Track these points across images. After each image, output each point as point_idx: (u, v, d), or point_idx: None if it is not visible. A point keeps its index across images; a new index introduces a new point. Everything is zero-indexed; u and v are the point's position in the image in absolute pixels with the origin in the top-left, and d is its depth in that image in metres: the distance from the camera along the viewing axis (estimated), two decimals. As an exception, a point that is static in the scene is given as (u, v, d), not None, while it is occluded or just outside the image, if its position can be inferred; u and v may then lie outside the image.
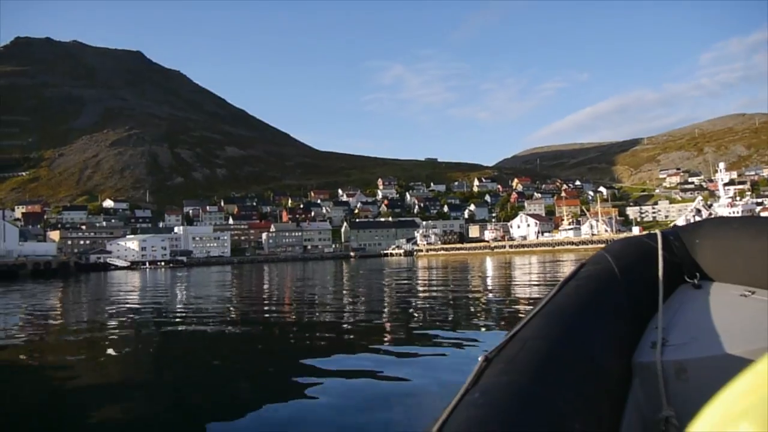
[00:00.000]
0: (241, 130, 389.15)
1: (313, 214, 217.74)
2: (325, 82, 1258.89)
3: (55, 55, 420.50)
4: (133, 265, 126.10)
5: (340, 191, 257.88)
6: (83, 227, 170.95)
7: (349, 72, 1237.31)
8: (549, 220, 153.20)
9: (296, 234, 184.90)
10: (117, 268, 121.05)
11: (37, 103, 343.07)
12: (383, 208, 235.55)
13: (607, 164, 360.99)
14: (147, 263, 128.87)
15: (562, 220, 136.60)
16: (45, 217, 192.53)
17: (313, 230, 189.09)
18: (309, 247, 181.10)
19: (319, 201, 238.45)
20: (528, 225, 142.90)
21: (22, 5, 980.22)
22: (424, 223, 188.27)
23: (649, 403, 1.74)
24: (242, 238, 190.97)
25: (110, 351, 12.22)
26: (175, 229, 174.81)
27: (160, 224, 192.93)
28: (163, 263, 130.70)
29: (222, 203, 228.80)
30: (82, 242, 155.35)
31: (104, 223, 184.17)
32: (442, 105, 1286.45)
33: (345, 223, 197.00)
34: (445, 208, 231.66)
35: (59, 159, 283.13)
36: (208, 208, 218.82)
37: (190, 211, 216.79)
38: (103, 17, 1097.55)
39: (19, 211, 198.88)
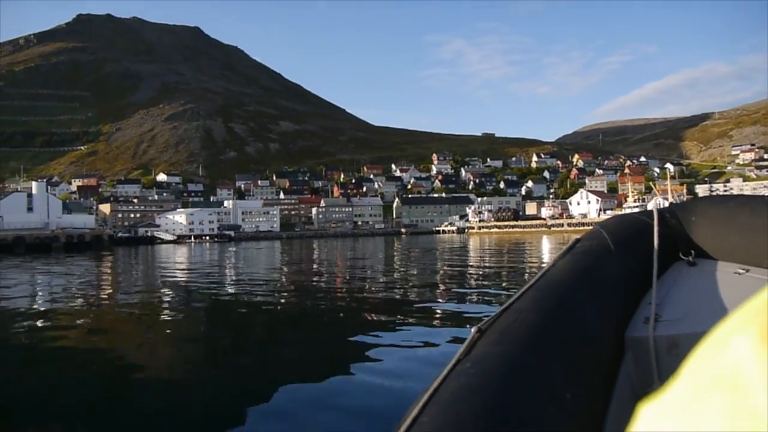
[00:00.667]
0: (296, 104, 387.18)
1: (364, 189, 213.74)
2: (383, 57, 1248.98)
3: (115, 31, 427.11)
4: (179, 239, 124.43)
5: (393, 166, 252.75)
6: (135, 200, 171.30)
7: (408, 47, 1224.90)
8: (611, 198, 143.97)
9: (346, 209, 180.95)
10: (163, 241, 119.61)
11: (96, 78, 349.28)
12: (437, 183, 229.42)
13: (675, 140, 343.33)
14: (192, 237, 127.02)
15: (627, 197, 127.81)
16: (99, 190, 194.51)
17: (363, 205, 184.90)
18: (359, 223, 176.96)
19: (371, 176, 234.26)
20: (588, 202, 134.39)
21: None
22: (479, 199, 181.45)
23: (641, 377, 1.76)
24: (292, 213, 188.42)
25: (158, 328, 11.52)
26: (225, 203, 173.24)
27: (212, 198, 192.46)
28: (207, 237, 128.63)
29: (274, 177, 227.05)
30: (132, 215, 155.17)
31: (156, 197, 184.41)
32: (502, 80, 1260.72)
33: (397, 199, 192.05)
34: (502, 185, 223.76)
35: (116, 133, 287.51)
36: (259, 182, 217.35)
37: (242, 186, 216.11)
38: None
39: (75, 185, 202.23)
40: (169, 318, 12.90)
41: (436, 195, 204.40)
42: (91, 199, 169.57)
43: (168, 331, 11.25)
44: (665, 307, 1.97)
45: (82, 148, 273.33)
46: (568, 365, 1.34)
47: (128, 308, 14.49)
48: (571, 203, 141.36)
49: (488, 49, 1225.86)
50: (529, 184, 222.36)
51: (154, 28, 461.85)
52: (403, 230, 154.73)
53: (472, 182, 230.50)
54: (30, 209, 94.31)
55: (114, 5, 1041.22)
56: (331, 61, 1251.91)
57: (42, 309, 14.89)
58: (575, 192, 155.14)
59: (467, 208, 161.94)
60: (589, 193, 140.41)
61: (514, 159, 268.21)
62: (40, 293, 19.77)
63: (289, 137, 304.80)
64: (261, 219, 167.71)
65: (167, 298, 16.31)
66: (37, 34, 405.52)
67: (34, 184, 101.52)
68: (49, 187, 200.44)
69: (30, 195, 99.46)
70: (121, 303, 15.66)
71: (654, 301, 1.95)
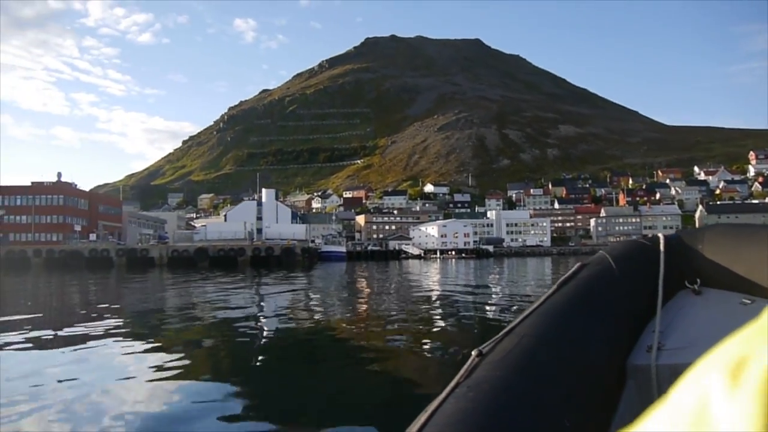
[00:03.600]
0: (580, 108, 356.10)
1: (658, 196, 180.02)
2: (684, 55, 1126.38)
3: (397, 50, 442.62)
4: (426, 255, 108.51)
5: (696, 169, 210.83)
6: (395, 212, 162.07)
7: (711, 41, 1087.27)
8: None
9: (633, 220, 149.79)
10: (407, 256, 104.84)
11: (377, 95, 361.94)
12: (756, 187, 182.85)
13: None
14: (438, 252, 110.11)
15: None
16: (364, 202, 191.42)
17: (655, 215, 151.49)
18: (650, 235, 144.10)
19: (667, 181, 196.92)
20: None
21: (373, 8, 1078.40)
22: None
23: (642, 407, 1.56)
24: (567, 224, 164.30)
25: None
26: (488, 214, 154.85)
27: (479, 209, 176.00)
28: (453, 252, 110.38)
29: (549, 186, 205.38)
30: (386, 227, 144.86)
31: (417, 208, 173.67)
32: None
33: (700, 207, 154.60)
34: None
35: (391, 146, 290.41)
36: (532, 191, 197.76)
37: (513, 195, 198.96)
38: (444, 11, 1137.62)
39: (344, 197, 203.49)
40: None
41: (755, 201, 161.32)
42: (353, 210, 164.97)
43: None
44: (669, 335, 1.95)
45: (359, 162, 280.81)
46: (568, 392, 1.32)
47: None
48: None
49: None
50: None
51: (434, 43, 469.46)
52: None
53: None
54: (259, 218, 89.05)
55: (399, 26, 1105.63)
56: (624, 63, 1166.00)
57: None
58: None
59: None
60: None
61: None
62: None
63: (569, 142, 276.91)
64: (529, 232, 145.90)
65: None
66: (329, 59, 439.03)
67: (264, 191, 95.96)
68: (321, 199, 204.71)
69: (260, 204, 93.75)
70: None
71: (658, 329, 1.93)
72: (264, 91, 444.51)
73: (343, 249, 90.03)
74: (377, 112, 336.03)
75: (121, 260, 58.82)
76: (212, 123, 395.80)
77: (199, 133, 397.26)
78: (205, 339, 10.87)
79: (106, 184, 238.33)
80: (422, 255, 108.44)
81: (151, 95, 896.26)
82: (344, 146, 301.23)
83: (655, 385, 1.74)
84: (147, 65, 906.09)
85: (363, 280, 34.72)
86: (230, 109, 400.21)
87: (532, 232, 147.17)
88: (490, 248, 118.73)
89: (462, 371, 1.34)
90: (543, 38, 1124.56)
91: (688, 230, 2.58)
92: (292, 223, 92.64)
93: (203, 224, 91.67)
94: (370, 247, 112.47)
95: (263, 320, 13.61)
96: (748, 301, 2.08)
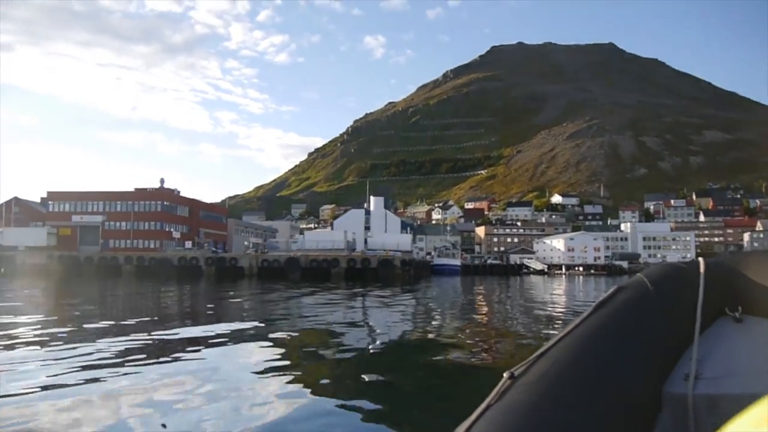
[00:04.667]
0: (729, 112, 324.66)
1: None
2: None
3: (524, 57, 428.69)
4: (549, 270, 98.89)
5: None
6: (518, 223, 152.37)
7: None
8: None
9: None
10: (529, 272, 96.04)
11: (502, 103, 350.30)
12: None
13: None
14: (563, 267, 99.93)
15: None
16: (486, 213, 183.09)
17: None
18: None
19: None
20: None
21: (500, 17, 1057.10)
22: None
23: None
24: (714, 239, 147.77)
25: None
26: (622, 227, 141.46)
27: (612, 222, 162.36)
28: (581, 268, 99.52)
29: (693, 196, 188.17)
30: (509, 239, 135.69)
31: (543, 219, 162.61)
32: None
33: None
34: None
35: (516, 156, 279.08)
36: (673, 202, 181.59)
37: (651, 207, 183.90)
38: (574, 16, 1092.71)
39: (466, 208, 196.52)
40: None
41: None
42: (473, 222, 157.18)
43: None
44: (707, 364, 1.87)
45: (483, 172, 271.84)
46: (601, 420, 1.29)
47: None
48: None
49: None
50: None
51: (564, 50, 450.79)
52: None
53: None
54: (367, 227, 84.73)
55: (526, 34, 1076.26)
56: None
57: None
58: None
59: None
60: None
61: None
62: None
63: (716, 149, 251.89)
64: (669, 247, 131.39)
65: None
66: (454, 69, 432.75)
67: (372, 199, 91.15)
68: (441, 210, 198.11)
69: (368, 212, 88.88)
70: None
71: (695, 357, 1.86)
72: (389, 103, 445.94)
73: (458, 262, 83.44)
74: (502, 121, 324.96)
75: (210, 269, 55.58)
76: (337, 135, 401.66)
77: (324, 145, 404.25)
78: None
79: (236, 195, 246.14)
80: (545, 270, 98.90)
81: (287, 112, 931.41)
82: (467, 156, 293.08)
83: (691, 415, 1.68)
84: (283, 84, 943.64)
85: (476, 307, 27.45)
86: (355, 121, 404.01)
87: (674, 247, 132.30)
88: (624, 264, 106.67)
89: (493, 393, 1.31)
90: (683, 40, 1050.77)
91: (730, 254, 2.46)
92: (401, 233, 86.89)
93: (301, 233, 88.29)
94: (489, 261, 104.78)
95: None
96: None
